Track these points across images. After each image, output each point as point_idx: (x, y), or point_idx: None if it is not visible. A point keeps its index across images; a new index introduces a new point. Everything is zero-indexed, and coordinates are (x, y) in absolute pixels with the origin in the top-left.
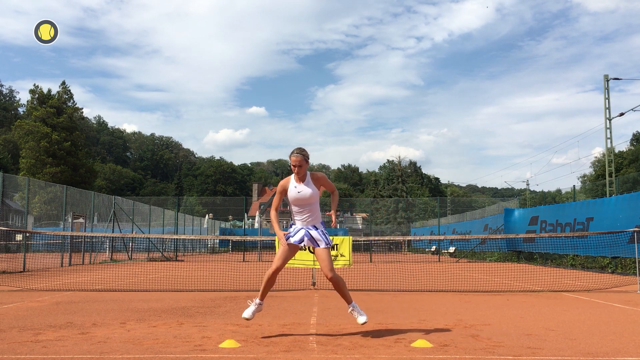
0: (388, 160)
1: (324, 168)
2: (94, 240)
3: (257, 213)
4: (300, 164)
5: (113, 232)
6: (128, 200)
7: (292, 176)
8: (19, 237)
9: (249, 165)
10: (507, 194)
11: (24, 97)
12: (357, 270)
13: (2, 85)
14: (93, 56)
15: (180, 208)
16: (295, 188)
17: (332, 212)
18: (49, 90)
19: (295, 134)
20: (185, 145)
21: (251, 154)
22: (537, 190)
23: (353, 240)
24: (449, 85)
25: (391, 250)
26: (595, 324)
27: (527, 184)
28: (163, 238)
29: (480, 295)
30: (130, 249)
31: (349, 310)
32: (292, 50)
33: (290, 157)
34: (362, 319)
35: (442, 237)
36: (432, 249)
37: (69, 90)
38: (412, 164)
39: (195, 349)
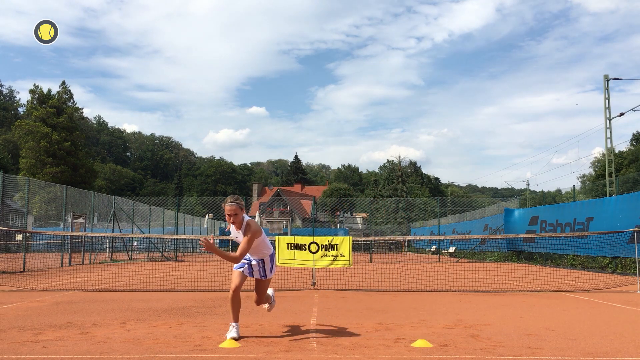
0: (388, 160)
1: (324, 168)
2: (94, 240)
3: (257, 213)
4: (235, 212)
5: (113, 232)
6: (128, 200)
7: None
8: (19, 237)
9: (249, 165)
10: (507, 194)
11: (24, 97)
12: (357, 270)
13: (2, 85)
14: (93, 56)
15: (180, 208)
16: (236, 237)
17: (213, 246)
18: (49, 90)
19: (296, 134)
20: (185, 145)
21: (251, 154)
22: (537, 190)
23: (353, 240)
24: (450, 86)
25: (391, 250)
26: (595, 324)
27: (527, 184)
28: (163, 238)
29: (480, 295)
30: (132, 248)
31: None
32: (293, 50)
33: (224, 207)
34: (229, 335)
35: (442, 237)
36: (432, 249)
37: (69, 90)
38: (412, 164)
39: (195, 349)
